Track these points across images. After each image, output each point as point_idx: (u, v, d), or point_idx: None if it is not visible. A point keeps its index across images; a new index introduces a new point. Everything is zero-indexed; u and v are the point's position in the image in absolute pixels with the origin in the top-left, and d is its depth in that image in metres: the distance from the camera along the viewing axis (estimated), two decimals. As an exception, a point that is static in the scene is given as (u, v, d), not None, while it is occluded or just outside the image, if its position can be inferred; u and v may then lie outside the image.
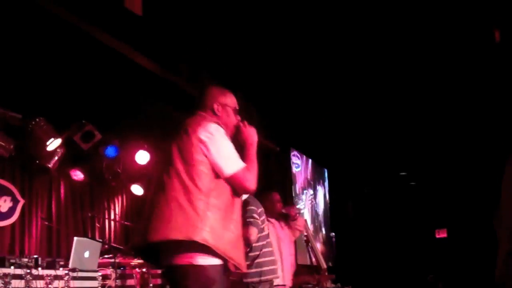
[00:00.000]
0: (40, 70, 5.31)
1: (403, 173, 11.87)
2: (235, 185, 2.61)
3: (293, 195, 9.49)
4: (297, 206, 8.38)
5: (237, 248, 2.61)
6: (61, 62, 5.28)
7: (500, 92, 7.02)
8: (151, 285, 5.18)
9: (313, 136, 9.53)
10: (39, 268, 4.37)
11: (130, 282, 5.35)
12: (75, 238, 4.99)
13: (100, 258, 5.24)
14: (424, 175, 11.50)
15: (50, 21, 4.55)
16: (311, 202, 10.50)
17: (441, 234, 11.91)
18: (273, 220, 4.91)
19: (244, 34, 5.89)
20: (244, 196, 2.77)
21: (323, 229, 10.95)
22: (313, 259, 5.41)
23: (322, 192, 11.29)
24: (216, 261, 2.52)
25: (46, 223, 6.18)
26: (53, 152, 6.02)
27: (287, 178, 9.44)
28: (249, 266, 3.91)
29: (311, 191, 10.56)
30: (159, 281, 5.52)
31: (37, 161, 6.01)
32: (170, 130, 2.77)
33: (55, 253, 6.21)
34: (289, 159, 9.65)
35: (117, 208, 7.40)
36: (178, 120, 2.77)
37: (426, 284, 10.49)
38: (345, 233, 11.59)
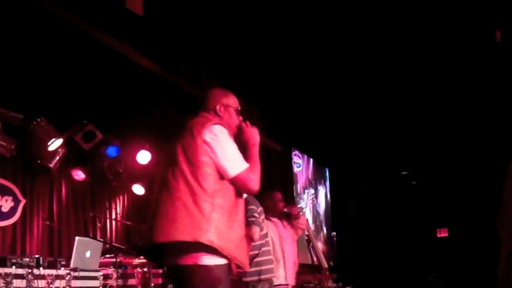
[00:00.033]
0: (41, 70, 5.31)
1: (404, 173, 11.87)
2: (238, 186, 2.62)
3: (295, 194, 9.49)
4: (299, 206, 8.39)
5: (241, 248, 2.63)
6: (62, 63, 5.29)
7: (502, 92, 7.02)
8: (152, 284, 5.16)
9: (314, 135, 9.54)
10: (41, 268, 4.37)
11: (132, 281, 5.35)
12: (77, 238, 5.01)
13: (102, 257, 5.25)
14: (425, 174, 11.50)
15: (51, 21, 4.56)
16: (312, 201, 10.50)
17: (442, 233, 11.90)
18: (275, 220, 4.89)
19: (245, 35, 5.89)
20: (244, 196, 2.76)
21: (324, 229, 10.96)
22: (315, 259, 5.39)
23: (323, 192, 11.29)
24: (222, 261, 2.53)
25: (48, 223, 6.17)
26: (55, 152, 6.03)
27: (289, 178, 9.45)
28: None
29: (312, 191, 10.56)
30: (160, 280, 5.53)
31: (39, 161, 6.01)
32: (173, 130, 2.78)
33: (57, 252, 6.21)
34: (290, 159, 9.66)
35: (118, 208, 7.40)
36: (181, 121, 2.78)
37: (427, 284, 10.47)
38: (346, 233, 11.61)
